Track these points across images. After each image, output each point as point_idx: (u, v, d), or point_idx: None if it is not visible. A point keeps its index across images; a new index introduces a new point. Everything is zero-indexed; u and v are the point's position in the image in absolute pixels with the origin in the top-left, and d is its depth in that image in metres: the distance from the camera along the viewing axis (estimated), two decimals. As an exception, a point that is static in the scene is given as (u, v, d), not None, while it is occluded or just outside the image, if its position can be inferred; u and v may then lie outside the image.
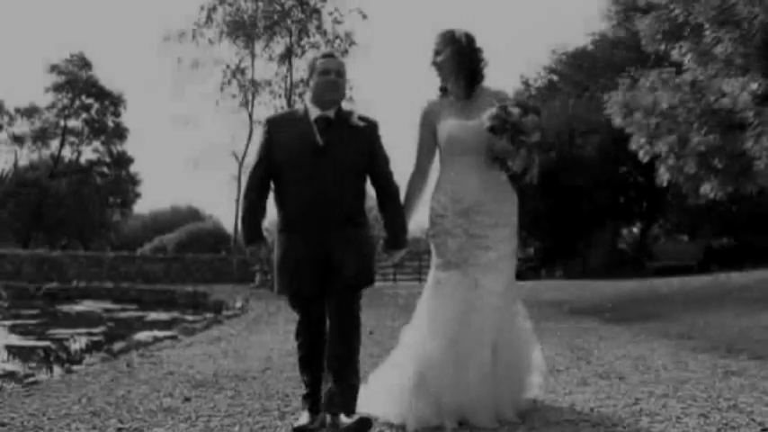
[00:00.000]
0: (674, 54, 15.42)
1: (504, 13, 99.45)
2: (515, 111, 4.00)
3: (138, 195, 50.38)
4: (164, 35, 25.52)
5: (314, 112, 4.16)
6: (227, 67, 25.23)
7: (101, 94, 46.35)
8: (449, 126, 4.24)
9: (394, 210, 4.27)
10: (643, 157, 16.91)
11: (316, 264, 4.06)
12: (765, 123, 14.03)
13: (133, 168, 49.25)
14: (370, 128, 4.22)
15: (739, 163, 15.39)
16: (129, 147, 48.82)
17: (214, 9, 24.72)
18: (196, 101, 35.35)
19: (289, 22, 24.28)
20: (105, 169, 48.20)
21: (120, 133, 47.59)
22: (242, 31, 24.40)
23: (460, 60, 4.25)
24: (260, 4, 24.18)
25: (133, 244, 43.14)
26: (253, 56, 25.25)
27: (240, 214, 4.35)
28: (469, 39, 4.30)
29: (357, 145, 4.12)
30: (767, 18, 13.51)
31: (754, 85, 14.71)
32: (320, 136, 4.07)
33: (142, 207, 56.26)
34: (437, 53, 4.31)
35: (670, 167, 16.21)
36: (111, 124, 47.20)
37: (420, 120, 4.39)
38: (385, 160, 4.25)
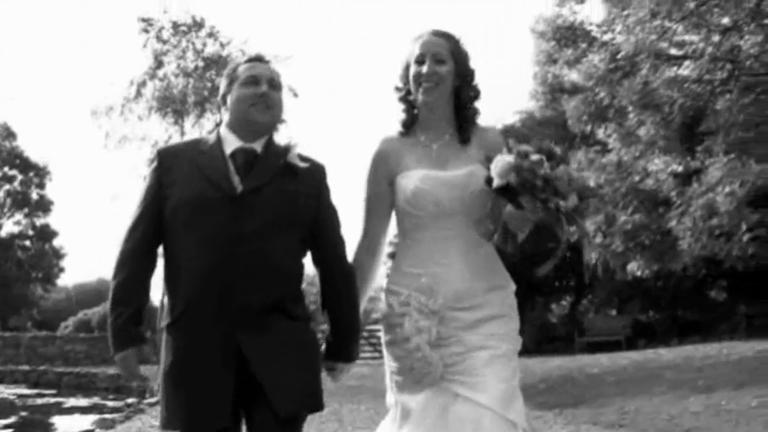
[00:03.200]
0: (600, 134, 15.86)
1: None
2: (537, 158, 2.62)
3: (62, 270, 48.89)
4: (92, 109, 25.18)
5: (231, 143, 2.81)
6: (156, 143, 24.94)
7: (25, 165, 45.27)
8: (415, 177, 2.86)
9: (345, 301, 2.89)
10: (572, 234, 17.21)
11: (226, 379, 2.62)
12: (687, 203, 14.40)
13: (57, 242, 47.93)
14: (316, 172, 2.88)
15: (665, 241, 15.76)
16: (54, 220, 47.62)
17: (144, 84, 24.55)
18: (124, 176, 34.80)
19: (219, 98, 24.21)
20: (28, 243, 46.75)
21: (44, 206, 46.38)
22: (171, 106, 24.22)
23: (464, 82, 2.95)
24: (190, 80, 24.12)
25: (56, 319, 41.63)
26: (182, 132, 25.03)
27: (109, 300, 2.76)
28: (464, 52, 2.99)
29: (295, 195, 2.76)
30: (686, 102, 14.03)
31: (676, 165, 15.19)
32: (238, 177, 2.73)
33: (66, 280, 54.64)
34: (437, 60, 2.91)
35: (598, 245, 16.50)
36: (35, 196, 46.00)
37: (370, 167, 2.99)
38: (334, 224, 2.90)
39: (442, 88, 2.88)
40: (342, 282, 2.88)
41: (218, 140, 2.83)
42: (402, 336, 2.79)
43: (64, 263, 48.68)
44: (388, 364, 2.91)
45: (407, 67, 2.95)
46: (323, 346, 2.91)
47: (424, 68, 2.87)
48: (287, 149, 2.82)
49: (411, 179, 2.87)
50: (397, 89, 3.01)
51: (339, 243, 2.90)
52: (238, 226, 2.65)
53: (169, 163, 2.80)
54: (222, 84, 2.92)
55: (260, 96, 2.78)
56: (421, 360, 2.75)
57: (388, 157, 2.95)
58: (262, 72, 2.83)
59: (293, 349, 2.72)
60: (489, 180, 2.67)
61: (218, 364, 2.62)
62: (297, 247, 2.79)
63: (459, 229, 2.85)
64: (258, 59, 2.90)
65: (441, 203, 2.83)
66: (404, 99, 2.99)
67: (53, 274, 48.41)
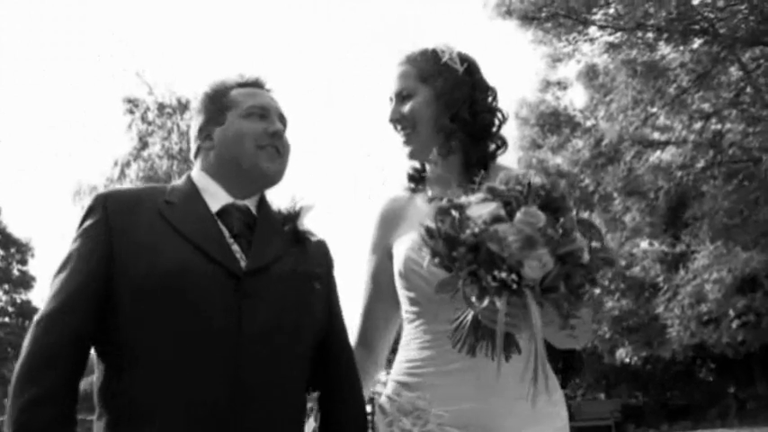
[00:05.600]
0: (585, 219, 15.88)
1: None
2: (482, 212, 1.60)
3: (41, 347, 48.08)
4: (74, 189, 24.99)
5: (217, 197, 1.86)
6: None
7: (7, 240, 44.84)
8: (407, 244, 2.01)
9: (352, 415, 1.95)
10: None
11: None
12: (674, 289, 14.31)
13: (38, 318, 47.20)
14: (324, 247, 2.01)
15: (653, 326, 15.63)
16: (36, 296, 46.98)
17: (128, 165, 24.46)
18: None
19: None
20: (7, 319, 45.99)
21: (26, 282, 45.79)
22: (155, 187, 24.20)
23: (455, 107, 2.07)
24: (175, 161, 24.11)
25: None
26: (166, 213, 24.92)
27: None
28: (472, 66, 2.14)
29: (310, 279, 1.86)
30: (671, 188, 14.06)
31: (663, 248, 15.15)
32: (239, 247, 1.80)
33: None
34: (403, 97, 2.11)
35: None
36: (16, 273, 45.45)
37: (371, 236, 2.19)
38: (343, 321, 2.02)
39: (422, 129, 2.07)
40: (357, 404, 1.96)
41: (194, 191, 1.86)
42: None
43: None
44: None
45: None
46: None
47: (389, 114, 2.14)
48: (295, 214, 1.92)
49: (403, 246, 2.02)
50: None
51: (349, 347, 2.02)
52: (240, 321, 1.69)
53: (122, 213, 1.77)
54: (203, 111, 1.96)
55: (271, 136, 1.87)
56: None
57: (394, 220, 2.13)
58: (270, 103, 1.93)
59: None
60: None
61: None
62: (309, 356, 1.86)
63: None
64: (258, 85, 1.98)
65: (435, 281, 1.69)
66: None
67: (32, 351, 47.58)
